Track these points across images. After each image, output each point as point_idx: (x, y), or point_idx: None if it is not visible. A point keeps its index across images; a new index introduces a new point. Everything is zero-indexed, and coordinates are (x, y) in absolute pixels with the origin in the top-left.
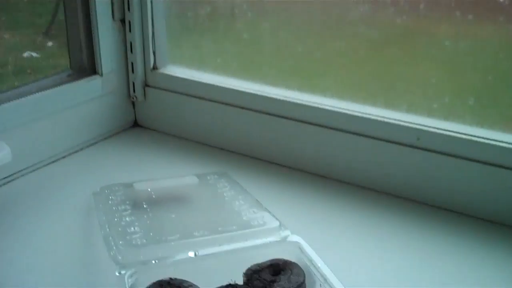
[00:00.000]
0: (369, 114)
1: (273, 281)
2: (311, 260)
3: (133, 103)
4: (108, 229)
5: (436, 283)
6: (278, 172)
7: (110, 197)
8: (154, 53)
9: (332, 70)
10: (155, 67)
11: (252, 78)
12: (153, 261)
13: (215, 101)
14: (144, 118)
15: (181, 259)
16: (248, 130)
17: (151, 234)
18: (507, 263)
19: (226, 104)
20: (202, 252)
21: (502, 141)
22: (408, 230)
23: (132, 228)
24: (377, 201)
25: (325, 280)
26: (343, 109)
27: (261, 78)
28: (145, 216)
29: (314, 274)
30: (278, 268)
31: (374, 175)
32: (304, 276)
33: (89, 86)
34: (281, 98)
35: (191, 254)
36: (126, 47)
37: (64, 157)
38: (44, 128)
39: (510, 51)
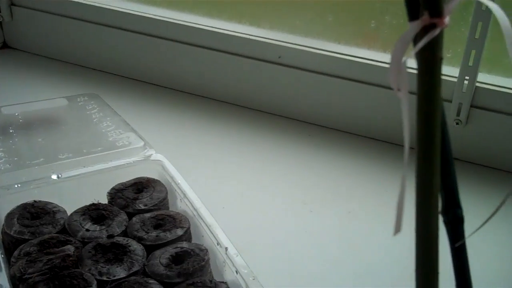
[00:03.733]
0: (235, 32)
1: (136, 198)
2: (172, 177)
3: (0, 24)
4: None
5: (298, 197)
6: (148, 91)
7: None
8: None
9: None
10: None
11: None
12: (16, 185)
13: (84, 20)
14: (13, 39)
15: (45, 182)
16: (119, 49)
17: (16, 159)
18: (366, 168)
19: (95, 23)
20: (66, 174)
21: (356, 56)
22: (271, 143)
23: None
24: (243, 117)
25: (185, 195)
26: (209, 26)
27: None
28: (10, 141)
29: (175, 190)
30: (142, 186)
31: (239, 92)
32: (166, 193)
33: None
34: (149, 16)
35: (54, 176)
36: None
37: None
38: None
39: None
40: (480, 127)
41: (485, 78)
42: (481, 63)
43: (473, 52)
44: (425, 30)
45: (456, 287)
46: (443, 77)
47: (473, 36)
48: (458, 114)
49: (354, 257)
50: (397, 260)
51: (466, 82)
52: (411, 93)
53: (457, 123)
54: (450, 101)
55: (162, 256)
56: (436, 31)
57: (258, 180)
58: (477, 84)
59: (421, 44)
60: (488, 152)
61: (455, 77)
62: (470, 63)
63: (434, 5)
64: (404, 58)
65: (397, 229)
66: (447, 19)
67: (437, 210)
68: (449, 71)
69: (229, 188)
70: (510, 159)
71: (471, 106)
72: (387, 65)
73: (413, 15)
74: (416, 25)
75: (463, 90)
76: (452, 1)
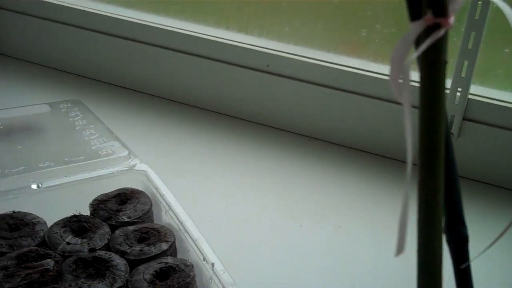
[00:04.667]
0: (222, 38)
1: (119, 210)
2: (157, 188)
3: None
4: None
5: (288, 211)
6: (134, 99)
7: None
8: None
9: None
10: None
11: None
12: None
13: (67, 24)
14: None
15: (24, 191)
16: (104, 55)
17: None
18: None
19: (80, 27)
20: (46, 183)
21: (346, 66)
22: (259, 154)
23: None
24: (230, 127)
25: (170, 207)
26: (196, 33)
27: None
28: None
29: (160, 202)
30: (125, 197)
31: (226, 100)
32: (151, 204)
33: None
34: (134, 21)
35: (34, 186)
36: None
37: None
38: None
39: None
40: (473, 140)
41: (477, 90)
42: (473, 74)
43: (466, 63)
44: (428, 31)
45: None
46: None
47: (465, 46)
48: (450, 127)
49: (345, 273)
50: (389, 278)
51: (458, 94)
52: (412, 107)
53: None
54: None
55: (146, 272)
56: (441, 32)
57: (246, 193)
58: (470, 96)
59: (424, 45)
60: (481, 166)
61: (447, 88)
62: (463, 74)
63: (438, 3)
64: (405, 61)
65: (400, 249)
66: (452, 19)
67: (441, 229)
68: None
69: (216, 200)
70: (503, 173)
71: (464, 118)
72: (377, 75)
73: (415, 15)
74: (418, 25)
75: (455, 102)
76: (457, 0)
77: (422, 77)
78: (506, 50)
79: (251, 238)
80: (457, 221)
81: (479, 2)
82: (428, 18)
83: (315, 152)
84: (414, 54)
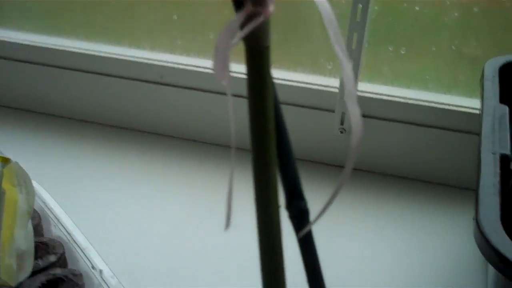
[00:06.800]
0: (114, 54)
1: None
2: (45, 203)
3: None
4: None
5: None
6: (21, 117)
7: None
8: None
9: (77, 11)
10: None
11: None
12: None
13: None
14: None
15: None
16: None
17: None
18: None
19: None
20: None
21: (239, 72)
22: (156, 163)
23: None
24: (124, 140)
25: (59, 220)
26: (89, 50)
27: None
28: None
29: (49, 216)
30: None
31: (121, 114)
32: (40, 219)
33: None
34: (25, 42)
35: None
36: None
37: None
38: None
39: None
40: (365, 134)
41: (365, 87)
42: (361, 73)
43: (351, 62)
44: (249, 20)
45: (308, 282)
46: (325, 88)
47: (350, 47)
48: (342, 123)
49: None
50: None
51: None
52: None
53: (341, 132)
54: (333, 111)
55: (33, 285)
56: (259, 20)
57: (140, 201)
58: (359, 93)
59: (243, 32)
60: (374, 158)
61: (337, 87)
62: None
63: None
64: (228, 48)
65: (227, 224)
66: (271, 8)
67: (277, 200)
68: (331, 82)
69: (111, 213)
70: (396, 163)
71: None
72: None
73: (238, 5)
74: (240, 15)
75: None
76: None
77: (247, 62)
78: (391, 48)
79: (147, 245)
80: (296, 195)
81: (359, 5)
82: (247, 8)
83: (209, 157)
84: (235, 40)
